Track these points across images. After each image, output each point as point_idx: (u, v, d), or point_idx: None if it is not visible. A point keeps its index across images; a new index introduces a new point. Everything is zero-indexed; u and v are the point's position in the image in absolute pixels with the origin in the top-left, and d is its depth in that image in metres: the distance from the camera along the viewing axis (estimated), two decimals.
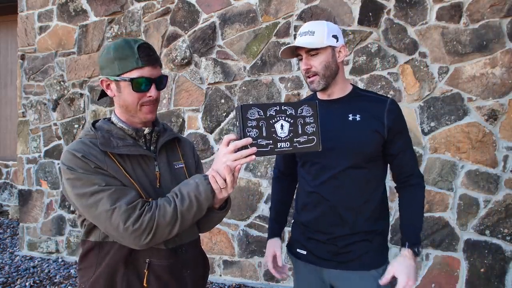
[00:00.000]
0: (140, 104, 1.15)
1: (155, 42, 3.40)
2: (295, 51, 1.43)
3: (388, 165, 1.52)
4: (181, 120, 3.39)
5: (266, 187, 3.16)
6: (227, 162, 1.08)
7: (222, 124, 3.27)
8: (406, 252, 1.37)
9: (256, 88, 3.16)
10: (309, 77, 1.43)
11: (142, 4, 3.47)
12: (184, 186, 1.12)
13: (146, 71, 1.13)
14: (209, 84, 3.30)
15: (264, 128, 1.15)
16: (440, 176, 2.74)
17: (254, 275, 3.23)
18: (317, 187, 1.45)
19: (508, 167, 2.61)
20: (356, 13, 2.89)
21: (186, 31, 3.34)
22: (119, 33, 3.57)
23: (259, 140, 1.13)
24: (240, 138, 1.11)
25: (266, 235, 3.12)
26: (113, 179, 1.08)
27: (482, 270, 2.68)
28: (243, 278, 3.26)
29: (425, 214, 2.78)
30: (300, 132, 1.19)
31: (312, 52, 1.39)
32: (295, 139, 1.18)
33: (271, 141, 1.15)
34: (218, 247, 3.30)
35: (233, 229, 3.27)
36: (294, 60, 3.05)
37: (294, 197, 1.66)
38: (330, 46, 1.40)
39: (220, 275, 3.31)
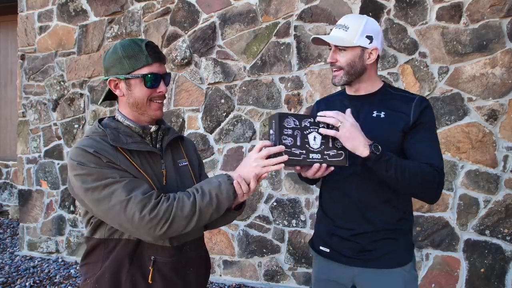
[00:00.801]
0: (149, 99, 1.17)
1: (155, 42, 3.39)
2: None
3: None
4: (181, 120, 3.39)
5: (266, 187, 3.16)
6: (257, 167, 1.11)
7: (222, 124, 3.27)
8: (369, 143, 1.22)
9: (256, 88, 3.17)
10: (333, 71, 1.42)
11: (142, 4, 3.47)
12: (206, 184, 1.14)
13: (155, 68, 1.16)
14: (209, 84, 3.30)
15: (298, 138, 1.20)
16: None
17: (254, 275, 3.23)
18: (339, 182, 1.43)
19: (508, 167, 2.61)
20: (356, 13, 2.88)
21: (186, 31, 3.34)
22: (119, 33, 3.57)
23: (293, 149, 1.18)
24: (275, 145, 1.15)
25: (266, 235, 3.14)
26: (126, 173, 1.09)
27: (482, 270, 2.68)
28: (243, 278, 3.26)
29: (425, 214, 2.78)
30: (330, 145, 1.24)
31: (340, 47, 1.37)
32: (325, 152, 1.23)
33: (304, 151, 1.20)
34: (218, 247, 3.30)
35: (233, 229, 3.27)
36: (294, 60, 3.05)
37: (318, 192, 1.64)
38: (359, 46, 1.36)
39: (220, 275, 3.31)
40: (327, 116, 1.22)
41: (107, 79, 1.18)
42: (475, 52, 2.65)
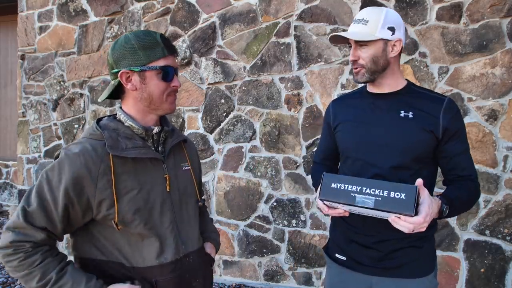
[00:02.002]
0: (166, 95, 1.12)
1: None
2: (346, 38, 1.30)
3: (440, 169, 1.40)
4: (181, 120, 3.39)
5: (266, 187, 3.16)
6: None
7: (222, 124, 3.27)
8: (437, 199, 1.20)
9: (256, 88, 3.17)
10: (355, 68, 1.32)
11: (142, 4, 3.47)
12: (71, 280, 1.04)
13: (170, 61, 1.11)
14: (209, 84, 3.30)
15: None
16: (440, 176, 2.74)
17: (254, 275, 3.23)
18: None
19: (508, 167, 2.61)
20: (356, 13, 2.88)
21: (186, 31, 3.34)
22: (119, 33, 3.57)
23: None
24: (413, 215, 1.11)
25: (266, 235, 3.14)
26: (50, 214, 1.02)
27: (482, 270, 2.68)
28: (243, 278, 3.26)
29: None
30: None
31: (361, 43, 1.28)
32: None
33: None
34: None
35: (233, 229, 3.27)
36: (294, 60, 3.05)
37: None
38: (382, 39, 1.27)
39: (220, 275, 3.31)
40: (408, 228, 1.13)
41: (118, 72, 1.09)
42: (475, 52, 2.65)
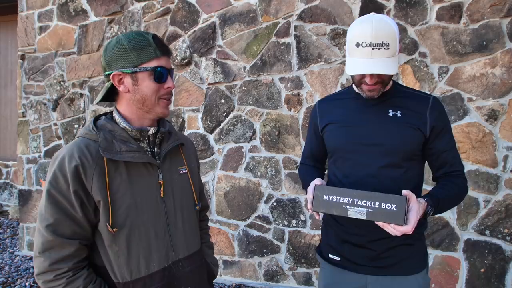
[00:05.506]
0: (158, 97, 1.09)
1: None
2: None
3: (429, 165, 1.42)
4: (181, 120, 3.40)
5: (266, 187, 3.16)
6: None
7: (222, 124, 3.27)
8: (423, 202, 1.23)
9: (256, 88, 3.17)
10: (371, 86, 1.28)
11: (142, 4, 3.47)
12: None
13: (163, 61, 1.09)
14: (209, 84, 3.30)
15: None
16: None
17: (254, 275, 3.23)
18: (350, 185, 1.35)
19: (508, 167, 2.61)
20: (356, 13, 2.89)
21: (186, 31, 3.34)
22: (119, 33, 3.57)
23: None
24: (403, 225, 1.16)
25: (266, 235, 3.14)
26: (73, 217, 1.03)
27: (482, 270, 2.68)
28: (243, 278, 3.26)
29: None
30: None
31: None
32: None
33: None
34: (218, 247, 3.30)
35: (233, 229, 3.27)
36: (294, 60, 3.05)
37: None
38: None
39: (220, 275, 3.31)
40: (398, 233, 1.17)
41: (110, 74, 1.08)
42: (475, 52, 2.65)
